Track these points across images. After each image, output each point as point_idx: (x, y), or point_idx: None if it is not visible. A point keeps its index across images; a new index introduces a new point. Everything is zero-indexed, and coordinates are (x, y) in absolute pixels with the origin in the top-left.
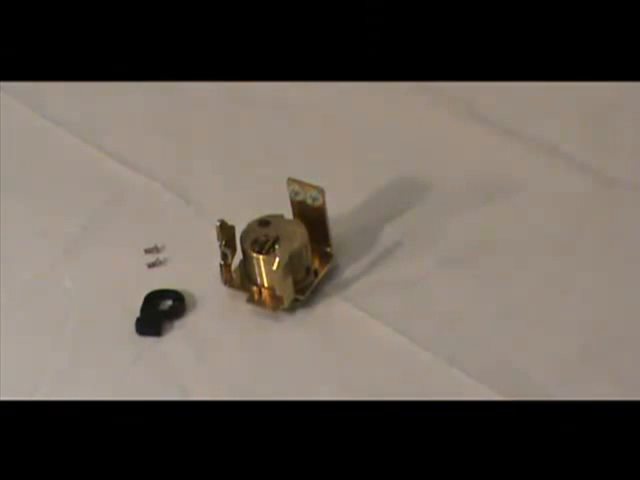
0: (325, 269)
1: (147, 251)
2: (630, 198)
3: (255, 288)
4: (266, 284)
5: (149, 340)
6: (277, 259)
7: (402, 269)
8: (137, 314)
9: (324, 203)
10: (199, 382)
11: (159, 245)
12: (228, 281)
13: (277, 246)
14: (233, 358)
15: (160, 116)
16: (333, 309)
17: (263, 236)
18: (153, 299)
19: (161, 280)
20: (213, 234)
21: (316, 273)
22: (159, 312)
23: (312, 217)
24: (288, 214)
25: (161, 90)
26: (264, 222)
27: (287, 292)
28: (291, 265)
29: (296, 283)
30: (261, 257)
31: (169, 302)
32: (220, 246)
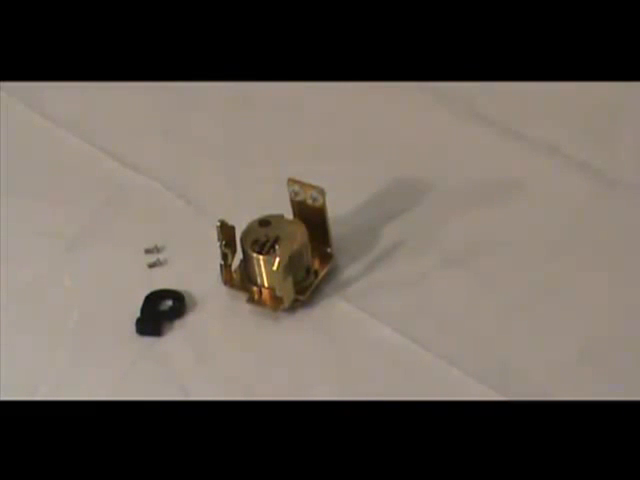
0: (325, 269)
1: (147, 251)
2: (630, 198)
3: (255, 288)
4: (266, 284)
5: (149, 340)
6: (277, 259)
7: (402, 269)
8: (137, 314)
9: (324, 203)
10: (199, 382)
11: (159, 245)
12: (228, 281)
13: (277, 246)
14: (233, 358)
15: (160, 116)
16: (333, 309)
17: (263, 236)
18: (153, 299)
19: (161, 280)
20: (213, 234)
21: (316, 273)
22: (159, 312)
23: (312, 217)
24: (288, 214)
25: (161, 90)
26: (264, 222)
27: (287, 292)
28: (291, 265)
29: (296, 283)
30: (261, 257)
31: (169, 302)
32: (220, 246)
